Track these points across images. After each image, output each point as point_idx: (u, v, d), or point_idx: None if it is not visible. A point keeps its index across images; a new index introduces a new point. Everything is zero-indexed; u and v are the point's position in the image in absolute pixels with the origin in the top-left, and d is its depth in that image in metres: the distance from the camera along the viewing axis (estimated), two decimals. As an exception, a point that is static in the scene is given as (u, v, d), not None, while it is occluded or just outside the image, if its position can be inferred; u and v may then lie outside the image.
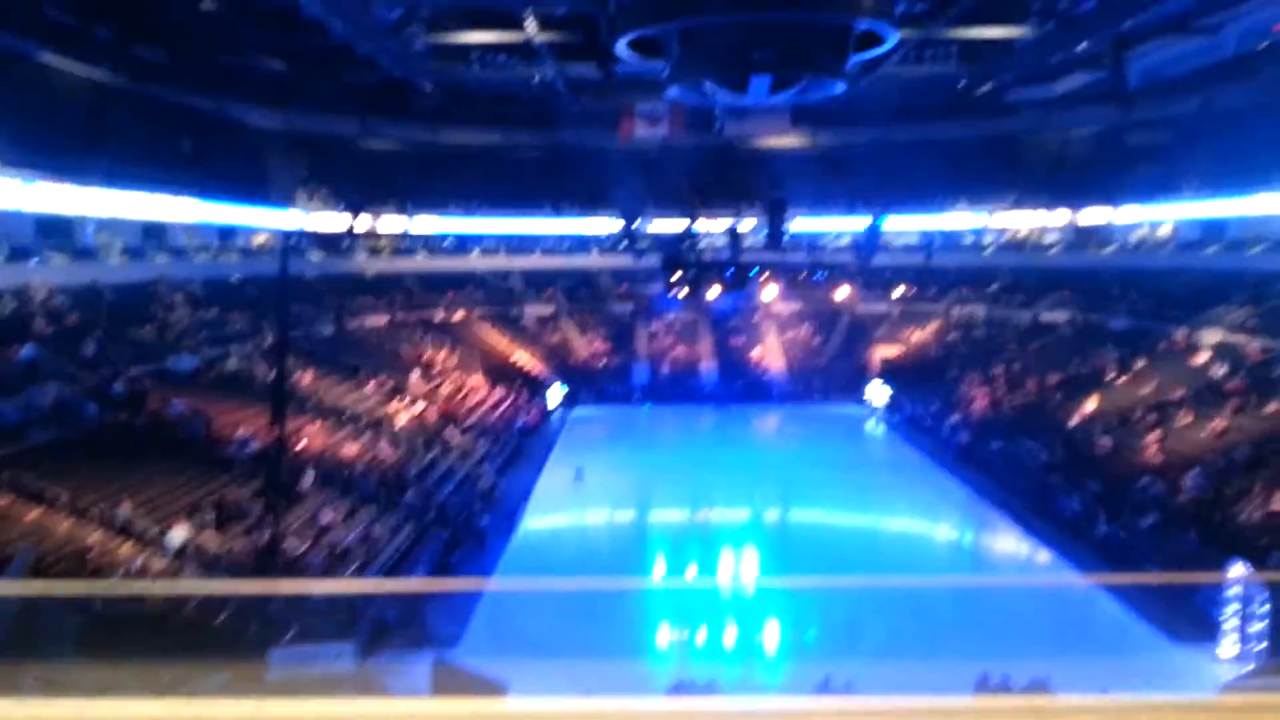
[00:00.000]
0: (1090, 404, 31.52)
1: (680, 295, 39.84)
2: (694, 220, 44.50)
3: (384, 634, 17.33)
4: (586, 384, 45.04)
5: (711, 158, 47.36)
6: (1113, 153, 45.59)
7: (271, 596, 15.17)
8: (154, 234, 34.33)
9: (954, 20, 31.10)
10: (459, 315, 46.68)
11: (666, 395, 44.67)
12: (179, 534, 17.86)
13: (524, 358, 45.35)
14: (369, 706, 2.53)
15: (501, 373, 42.06)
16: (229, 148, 38.47)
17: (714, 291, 40.48)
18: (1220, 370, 29.58)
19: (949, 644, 15.52)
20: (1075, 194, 46.43)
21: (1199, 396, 28.60)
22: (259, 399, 25.24)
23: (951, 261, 48.18)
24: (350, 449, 26.75)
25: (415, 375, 36.25)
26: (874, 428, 41.02)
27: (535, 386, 42.44)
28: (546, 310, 50.37)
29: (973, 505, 28.40)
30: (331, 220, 44.73)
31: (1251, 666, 15.78)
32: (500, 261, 51.45)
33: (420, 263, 48.94)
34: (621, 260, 50.00)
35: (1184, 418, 27.56)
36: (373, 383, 33.75)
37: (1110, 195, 44.76)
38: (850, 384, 44.80)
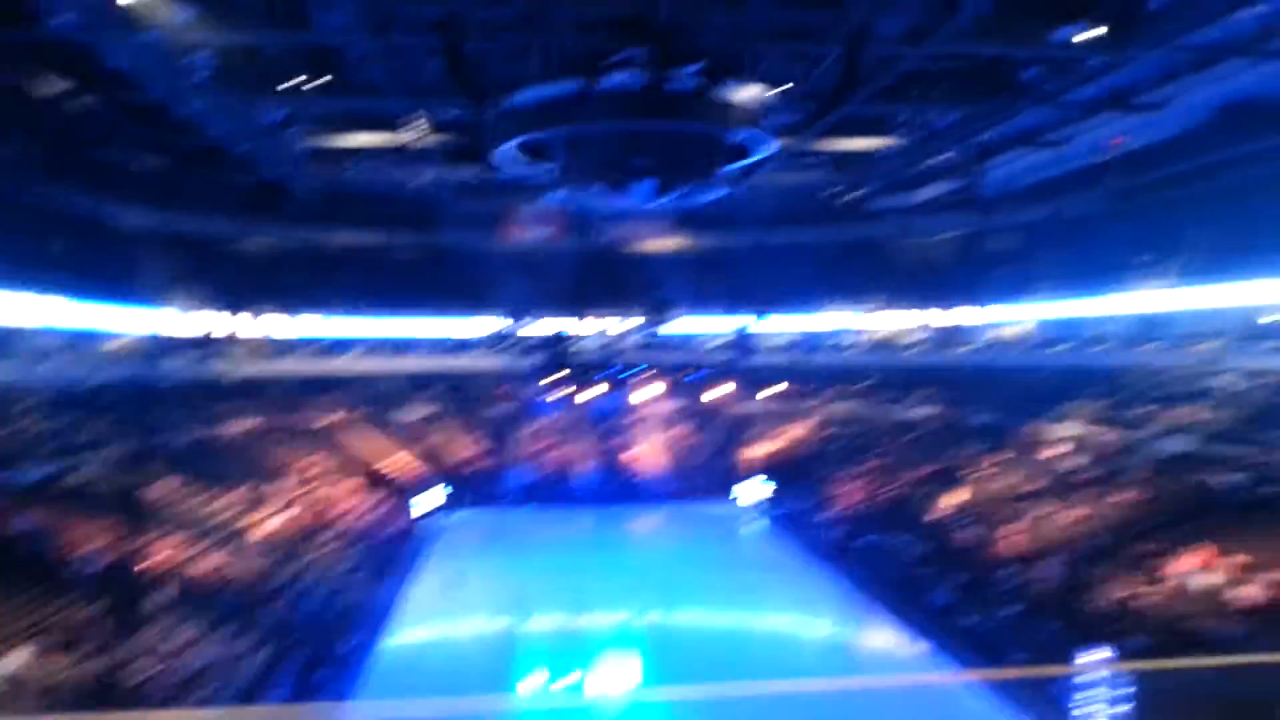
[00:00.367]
0: (957, 497, 32.57)
1: (561, 396, 39.83)
2: (575, 321, 44.84)
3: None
4: (465, 487, 44.19)
5: (593, 259, 48.11)
6: (973, 256, 48.66)
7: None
8: (5, 338, 32.38)
9: (826, 132, 32.86)
10: (334, 418, 45.47)
11: (546, 497, 44.20)
12: (13, 660, 16.41)
13: (401, 461, 44.33)
14: None
15: (377, 477, 41.03)
16: (101, 247, 37.01)
17: (595, 392, 40.63)
18: (1076, 461, 31.04)
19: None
20: (939, 295, 49.01)
21: (1057, 487, 29.90)
22: (112, 511, 23.75)
23: (825, 360, 49.72)
24: (209, 563, 25.40)
25: (284, 482, 34.98)
26: (752, 525, 41.32)
27: (412, 491, 41.43)
28: (426, 412, 49.50)
29: (848, 600, 28.71)
30: (204, 321, 43.34)
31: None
32: (379, 363, 50.53)
33: (295, 365, 47.61)
34: (503, 361, 49.78)
35: (1043, 507, 28.71)
36: (237, 491, 32.40)
37: (971, 296, 47.39)
38: (729, 482, 45.23)
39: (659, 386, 43.81)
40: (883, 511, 34.72)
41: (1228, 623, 18.72)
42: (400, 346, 50.94)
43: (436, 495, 42.31)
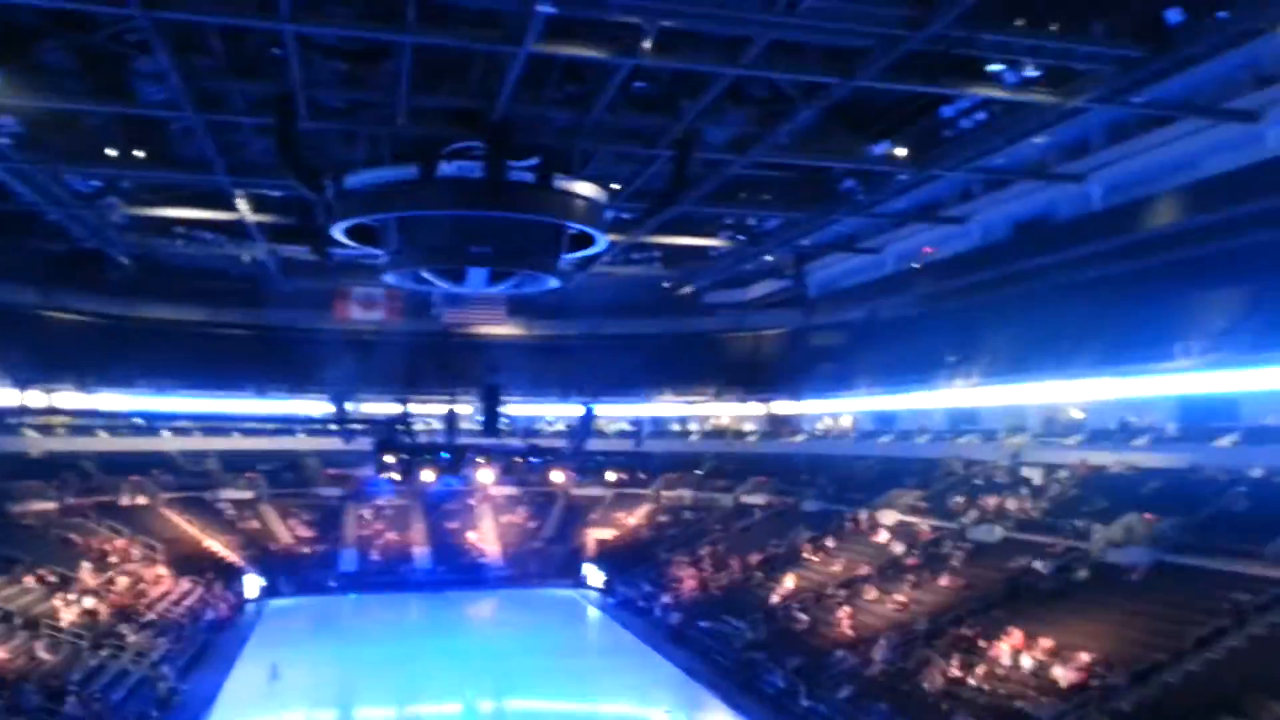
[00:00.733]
0: (789, 582, 33.41)
1: (393, 479, 38.69)
2: (409, 403, 43.94)
3: None
4: (288, 572, 42.17)
5: (428, 342, 47.68)
6: (798, 351, 51.17)
7: None
8: None
9: (658, 229, 34.03)
10: (143, 499, 42.77)
11: (376, 583, 42.68)
12: None
13: (218, 545, 41.98)
14: None
15: (190, 562, 38.64)
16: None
17: (428, 475, 39.70)
18: (899, 547, 32.47)
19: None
20: (768, 387, 51.23)
21: (882, 572, 31.16)
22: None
23: (660, 447, 50.44)
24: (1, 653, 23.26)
25: (86, 566, 32.66)
26: (589, 610, 41.04)
27: (229, 576, 39.21)
28: (245, 494, 47.14)
29: (684, 686, 28.74)
30: (5, 394, 40.25)
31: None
32: (195, 442, 48.10)
33: (102, 442, 44.90)
34: (331, 443, 48.04)
35: (870, 592, 29.85)
36: (33, 576, 30.12)
37: (797, 389, 49.63)
38: (566, 567, 45.09)
39: (495, 470, 43.27)
40: (719, 596, 35.18)
41: (1045, 702, 19.84)
42: (223, 424, 48.65)
43: (256, 582, 40.21)
